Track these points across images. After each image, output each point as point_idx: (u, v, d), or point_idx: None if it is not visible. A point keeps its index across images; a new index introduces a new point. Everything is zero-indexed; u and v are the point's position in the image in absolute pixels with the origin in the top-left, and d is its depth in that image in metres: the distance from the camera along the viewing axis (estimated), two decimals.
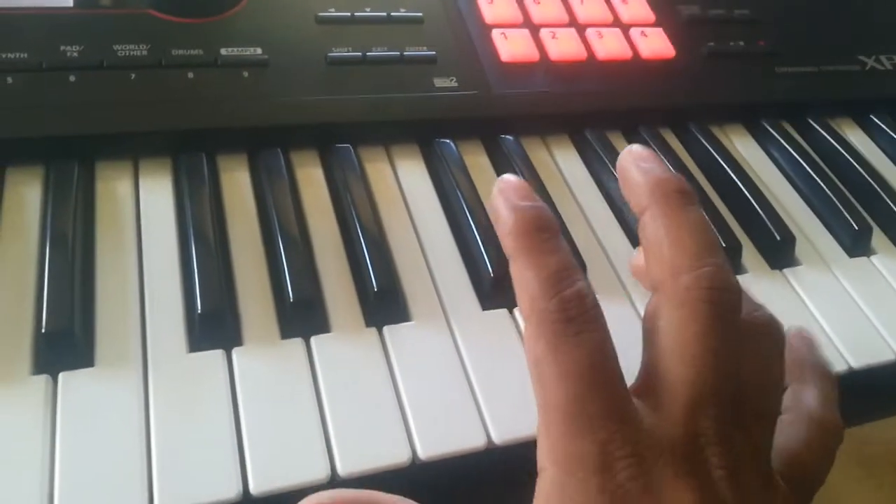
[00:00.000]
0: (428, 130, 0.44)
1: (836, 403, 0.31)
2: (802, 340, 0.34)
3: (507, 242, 0.27)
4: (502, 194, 0.28)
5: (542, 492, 0.24)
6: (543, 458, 0.24)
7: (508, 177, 0.29)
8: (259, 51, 0.43)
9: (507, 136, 0.45)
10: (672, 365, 0.25)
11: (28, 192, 0.37)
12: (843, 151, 0.50)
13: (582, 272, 0.26)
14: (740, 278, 0.40)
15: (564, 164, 0.46)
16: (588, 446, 0.23)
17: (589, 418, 0.23)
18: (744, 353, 0.26)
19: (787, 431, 0.29)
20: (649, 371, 0.25)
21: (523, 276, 0.26)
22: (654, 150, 0.44)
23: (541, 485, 0.24)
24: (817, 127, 0.52)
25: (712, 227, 0.28)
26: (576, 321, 0.24)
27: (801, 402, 0.30)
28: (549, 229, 0.26)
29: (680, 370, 0.24)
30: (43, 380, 0.31)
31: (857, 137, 0.54)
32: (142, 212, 0.38)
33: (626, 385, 0.25)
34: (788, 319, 0.39)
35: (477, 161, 0.45)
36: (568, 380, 0.24)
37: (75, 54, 0.41)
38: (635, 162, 0.29)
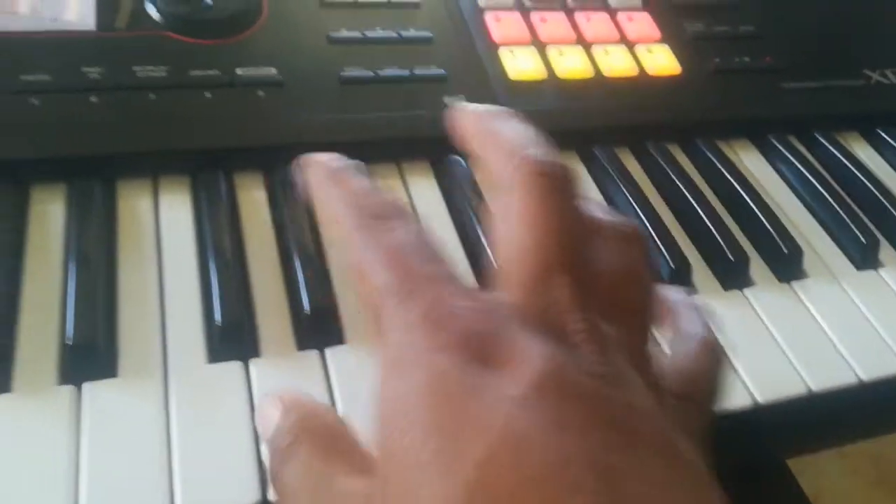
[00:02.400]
0: (439, 148, 0.45)
1: (712, 327, 0.30)
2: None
3: (314, 184, 0.27)
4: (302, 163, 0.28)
5: (381, 372, 0.22)
6: (380, 347, 0.23)
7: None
8: (274, 71, 0.44)
9: None
10: (513, 241, 0.24)
11: (52, 210, 0.39)
12: (850, 165, 0.51)
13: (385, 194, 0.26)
14: (748, 291, 0.41)
15: None
16: (420, 306, 0.22)
17: (418, 283, 0.22)
18: (604, 247, 0.25)
19: (676, 352, 0.28)
20: (495, 261, 0.25)
21: (332, 202, 0.26)
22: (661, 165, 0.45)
23: (379, 369, 0.23)
24: (824, 141, 0.53)
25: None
26: (390, 217, 0.24)
27: (683, 327, 0.30)
28: (347, 167, 0.27)
29: (524, 240, 0.23)
30: (68, 390, 0.31)
31: (864, 151, 0.54)
32: (162, 228, 0.39)
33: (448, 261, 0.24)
34: (797, 331, 0.39)
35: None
36: (388, 257, 0.23)
37: (96, 76, 0.42)
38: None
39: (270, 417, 0.25)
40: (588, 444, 0.19)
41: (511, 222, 0.24)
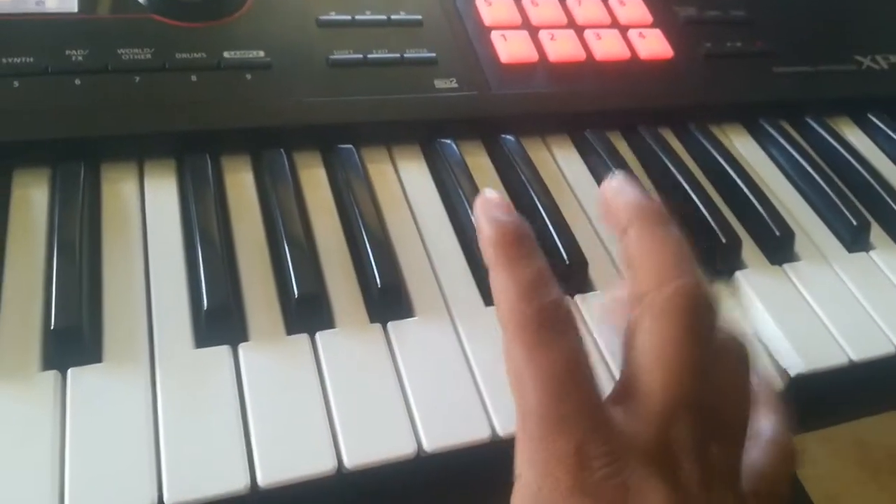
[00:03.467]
0: (429, 131, 0.45)
1: (786, 421, 0.31)
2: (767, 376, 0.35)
3: (488, 253, 0.28)
4: (483, 208, 0.29)
5: (518, 495, 0.25)
6: (520, 464, 0.25)
7: (489, 192, 0.30)
8: (261, 53, 0.44)
9: (508, 136, 0.46)
10: (649, 370, 0.25)
11: (35, 194, 0.38)
12: (840, 149, 0.51)
13: (557, 283, 0.27)
14: (740, 274, 0.41)
15: (565, 164, 0.46)
16: (563, 446, 0.24)
17: (564, 419, 0.24)
18: (719, 365, 0.26)
19: (750, 452, 0.29)
20: (627, 378, 0.26)
21: (503, 285, 0.27)
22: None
23: (517, 488, 0.25)
24: (815, 126, 0.53)
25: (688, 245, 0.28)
26: (552, 327, 0.25)
27: (757, 425, 0.31)
28: (526, 241, 0.27)
29: (656, 375, 0.25)
30: (52, 375, 0.31)
31: (854, 136, 0.54)
32: (147, 212, 0.38)
33: (599, 389, 0.25)
34: (788, 313, 0.39)
35: (478, 160, 0.45)
36: (544, 382, 0.24)
37: (80, 58, 0.41)
38: (618, 188, 0.30)
39: None
40: None
41: (648, 353, 0.25)
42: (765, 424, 0.31)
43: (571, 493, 0.23)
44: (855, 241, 0.45)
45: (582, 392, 0.25)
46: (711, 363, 0.26)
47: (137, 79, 0.41)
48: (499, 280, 0.27)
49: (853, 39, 0.58)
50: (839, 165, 0.50)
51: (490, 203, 0.29)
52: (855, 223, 0.45)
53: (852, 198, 0.47)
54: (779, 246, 0.43)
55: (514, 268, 0.27)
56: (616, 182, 0.30)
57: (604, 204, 0.30)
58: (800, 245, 0.44)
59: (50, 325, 0.32)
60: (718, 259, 0.42)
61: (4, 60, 0.40)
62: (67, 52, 0.41)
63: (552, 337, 0.25)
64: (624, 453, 0.24)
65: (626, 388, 0.26)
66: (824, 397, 0.39)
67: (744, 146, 0.51)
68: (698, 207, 0.43)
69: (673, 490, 0.24)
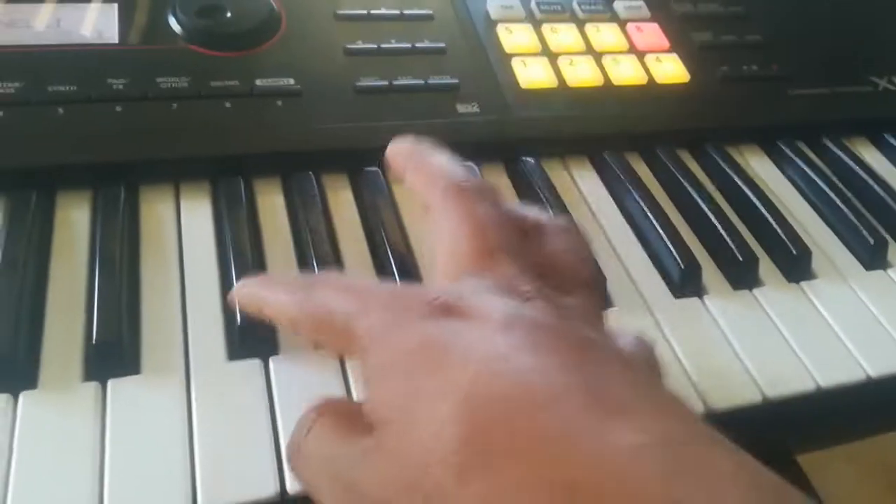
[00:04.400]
0: (454, 154, 0.46)
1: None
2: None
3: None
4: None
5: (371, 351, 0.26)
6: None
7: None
8: (292, 81, 0.46)
9: (528, 159, 0.47)
10: (452, 245, 0.29)
11: (78, 215, 0.40)
12: (857, 169, 0.51)
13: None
14: (757, 291, 0.42)
15: (584, 185, 0.48)
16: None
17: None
18: (548, 238, 0.30)
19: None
20: (441, 263, 0.29)
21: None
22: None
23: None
24: (832, 146, 0.53)
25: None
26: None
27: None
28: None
29: (458, 241, 0.29)
30: (93, 386, 0.32)
31: (871, 156, 0.55)
32: (183, 232, 0.40)
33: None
34: (806, 329, 0.40)
35: (499, 182, 0.47)
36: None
37: (121, 86, 0.43)
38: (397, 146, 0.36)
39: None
40: (557, 354, 0.23)
41: (445, 231, 0.29)
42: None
43: (416, 320, 0.25)
44: (872, 259, 0.45)
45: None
46: (524, 228, 0.30)
47: (174, 106, 0.43)
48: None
49: (869, 61, 0.58)
50: (856, 185, 0.51)
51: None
52: (872, 241, 0.45)
53: (869, 217, 0.47)
54: (796, 264, 0.43)
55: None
56: (395, 144, 0.36)
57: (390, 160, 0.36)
58: (817, 263, 0.44)
59: (91, 339, 0.34)
60: (735, 276, 0.42)
61: (50, 88, 0.42)
62: (109, 81, 0.43)
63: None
64: (459, 287, 0.27)
65: (444, 269, 0.29)
66: (843, 414, 0.39)
67: (761, 167, 0.52)
68: (716, 227, 0.44)
69: (513, 300, 0.25)
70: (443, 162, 0.33)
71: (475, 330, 0.24)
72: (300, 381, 0.34)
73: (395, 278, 0.38)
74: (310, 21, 0.49)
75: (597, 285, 0.31)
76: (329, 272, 0.32)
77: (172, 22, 0.47)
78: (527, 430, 0.21)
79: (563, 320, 0.25)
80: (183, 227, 0.40)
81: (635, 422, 0.21)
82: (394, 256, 0.39)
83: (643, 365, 0.30)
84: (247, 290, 0.32)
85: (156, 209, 0.41)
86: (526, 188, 0.46)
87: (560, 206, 0.44)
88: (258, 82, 0.45)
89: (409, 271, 0.39)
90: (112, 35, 0.46)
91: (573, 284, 0.29)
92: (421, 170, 0.33)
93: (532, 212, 0.32)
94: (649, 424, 0.21)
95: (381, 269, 0.40)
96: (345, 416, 0.26)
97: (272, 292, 0.30)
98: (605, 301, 0.31)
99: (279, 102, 0.45)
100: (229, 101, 0.44)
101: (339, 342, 0.28)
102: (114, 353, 0.33)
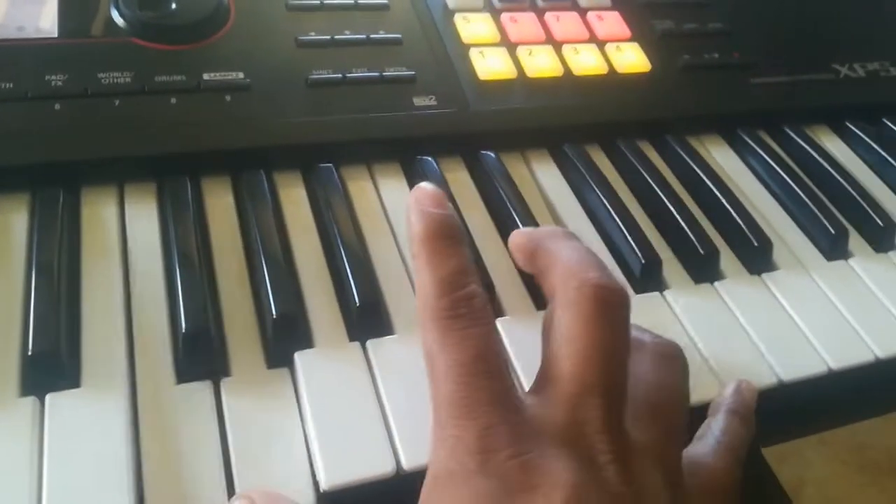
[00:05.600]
0: (409, 148, 0.45)
1: (745, 427, 0.33)
2: (740, 388, 0.35)
3: (413, 246, 0.30)
4: (416, 201, 0.31)
5: (431, 476, 0.26)
6: (432, 451, 0.26)
7: (424, 185, 0.32)
8: (241, 75, 0.44)
9: (487, 152, 0.46)
10: (560, 359, 0.26)
11: (14, 218, 0.38)
12: (818, 158, 0.51)
13: (477, 276, 0.28)
14: (718, 284, 0.41)
15: (544, 178, 0.47)
16: (472, 430, 0.25)
17: (472, 405, 0.25)
18: (645, 361, 0.29)
19: (696, 447, 0.31)
20: (543, 369, 0.27)
21: (422, 277, 0.28)
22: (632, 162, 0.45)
23: (430, 470, 0.26)
24: (793, 135, 0.53)
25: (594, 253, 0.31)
26: (464, 318, 0.27)
27: (713, 425, 0.32)
28: (451, 236, 0.29)
29: (566, 363, 0.26)
30: (30, 402, 0.31)
31: (833, 144, 0.55)
32: (128, 235, 0.38)
33: (510, 378, 0.26)
34: (767, 322, 0.40)
35: (458, 177, 0.46)
36: (454, 370, 0.26)
37: (60, 83, 0.41)
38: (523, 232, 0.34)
39: None
40: None
41: (559, 340, 0.27)
42: (718, 425, 0.32)
43: (477, 473, 0.24)
44: (833, 249, 0.45)
45: (491, 380, 0.26)
46: (624, 346, 0.27)
47: (117, 102, 0.41)
48: (419, 274, 0.29)
49: (830, 48, 0.58)
50: (817, 174, 0.50)
51: (425, 195, 0.31)
52: (833, 231, 0.45)
53: (830, 206, 0.47)
54: (757, 255, 0.43)
55: (434, 261, 0.28)
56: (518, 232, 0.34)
57: (514, 248, 0.33)
58: (778, 254, 0.44)
59: (27, 351, 0.32)
60: (696, 270, 0.42)
61: None
62: (47, 77, 0.41)
63: (463, 326, 0.26)
64: (533, 436, 0.25)
65: (542, 376, 0.27)
66: (806, 405, 0.39)
67: (722, 157, 0.51)
68: (676, 219, 0.44)
69: (581, 466, 0.24)
70: (584, 254, 0.30)
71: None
72: (248, 404, 0.32)
73: (349, 279, 0.37)
74: (260, 12, 0.48)
75: (678, 419, 0.29)
76: (483, 312, 0.28)
77: (115, 14, 0.45)
78: None
79: (627, 491, 0.24)
80: (127, 230, 0.39)
81: None
82: (348, 257, 0.38)
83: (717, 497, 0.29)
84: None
85: (98, 212, 0.39)
86: (486, 182, 0.45)
87: (519, 201, 0.43)
88: (205, 76, 0.43)
89: (363, 273, 0.37)
90: (51, 28, 0.44)
91: (656, 418, 0.27)
92: (556, 257, 0.30)
93: (638, 331, 0.30)
94: None
95: (335, 270, 0.38)
96: None
97: (425, 275, 0.29)
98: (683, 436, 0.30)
99: (228, 97, 0.43)
100: (175, 96, 0.42)
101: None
102: (51, 364, 0.32)
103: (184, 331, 0.33)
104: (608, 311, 0.27)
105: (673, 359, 0.30)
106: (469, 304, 0.27)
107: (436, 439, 0.26)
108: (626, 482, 0.24)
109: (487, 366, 0.26)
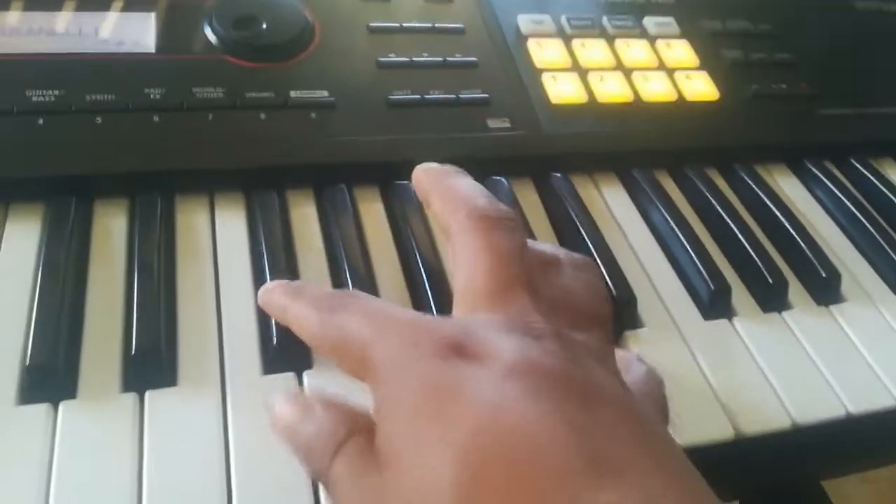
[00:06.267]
0: (482, 168, 0.46)
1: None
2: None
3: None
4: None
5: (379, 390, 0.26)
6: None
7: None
8: (325, 93, 0.46)
9: (557, 174, 0.48)
10: (473, 278, 0.28)
11: (115, 223, 0.40)
12: (885, 191, 0.51)
13: None
14: (786, 314, 0.42)
15: (613, 202, 0.48)
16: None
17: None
18: (563, 273, 0.31)
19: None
20: (458, 297, 0.29)
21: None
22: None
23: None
24: (859, 167, 0.53)
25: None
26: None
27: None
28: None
29: (477, 271, 0.28)
30: (131, 398, 0.33)
31: None
32: (218, 242, 0.40)
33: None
34: (836, 355, 0.40)
35: (528, 197, 0.47)
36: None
37: (158, 96, 0.44)
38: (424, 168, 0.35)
39: (297, 415, 0.28)
40: (561, 406, 0.23)
41: (467, 258, 0.29)
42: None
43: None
44: None
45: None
46: (541, 264, 0.30)
47: (210, 116, 0.44)
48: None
49: None
50: (884, 206, 0.50)
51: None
52: None
53: None
54: (825, 287, 0.44)
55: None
56: (421, 167, 0.35)
57: (415, 182, 0.35)
58: (846, 286, 0.44)
59: (130, 350, 0.34)
60: (764, 299, 0.42)
61: (88, 97, 0.43)
62: (146, 91, 0.44)
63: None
64: (467, 324, 0.27)
65: (460, 302, 0.29)
66: (869, 440, 0.39)
67: (789, 186, 0.52)
68: (745, 247, 0.44)
69: (523, 340, 0.25)
70: (468, 187, 0.32)
71: (481, 374, 0.24)
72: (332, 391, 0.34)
73: (427, 290, 0.39)
74: (343, 33, 0.50)
75: (606, 322, 0.30)
76: (357, 292, 0.31)
77: (209, 32, 0.47)
78: (519, 486, 0.22)
79: (572, 362, 0.25)
80: (218, 237, 0.41)
81: (622, 486, 0.21)
82: (425, 269, 0.40)
83: (649, 406, 0.30)
84: (274, 296, 0.31)
85: (191, 219, 0.41)
86: (555, 204, 0.46)
87: (589, 222, 0.44)
88: (293, 94, 0.45)
89: (440, 285, 0.39)
90: (149, 44, 0.47)
91: (586, 320, 0.29)
92: (445, 194, 0.32)
93: (550, 248, 0.32)
94: (635, 486, 0.21)
95: (412, 281, 0.40)
96: (365, 446, 0.26)
97: (297, 303, 0.30)
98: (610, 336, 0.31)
99: (313, 114, 0.45)
100: (264, 112, 0.44)
101: (352, 367, 0.27)
102: (151, 363, 0.34)
103: (275, 338, 0.35)
104: (499, 225, 0.29)
105: (589, 265, 0.32)
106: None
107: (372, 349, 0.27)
108: (566, 349, 0.25)
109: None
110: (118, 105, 0.43)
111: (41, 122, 0.41)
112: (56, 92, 0.42)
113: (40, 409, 0.32)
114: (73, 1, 0.48)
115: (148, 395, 0.33)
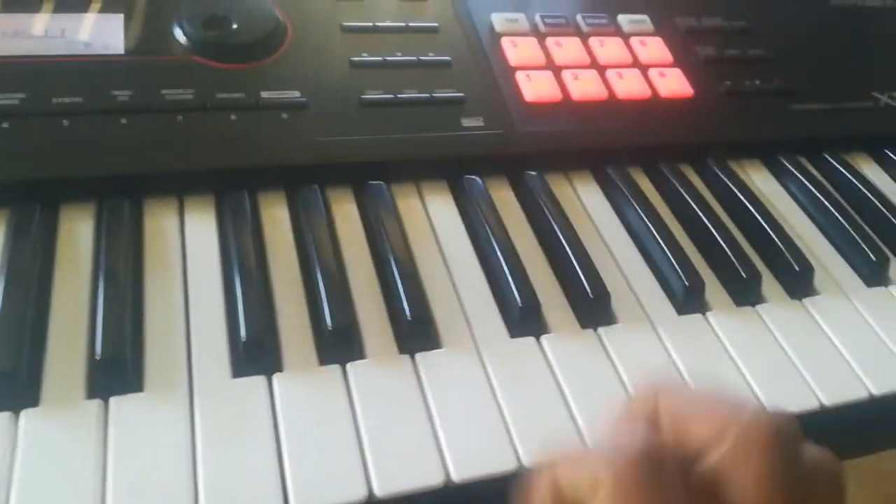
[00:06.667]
0: (456, 167, 0.47)
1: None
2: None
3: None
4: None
5: None
6: None
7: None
8: (297, 94, 0.46)
9: (532, 173, 0.47)
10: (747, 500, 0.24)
11: (81, 227, 0.40)
12: (858, 185, 0.52)
13: None
14: (760, 308, 0.42)
15: (587, 199, 0.48)
16: None
17: None
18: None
19: None
20: None
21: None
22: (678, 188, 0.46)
23: None
24: (833, 162, 0.54)
25: None
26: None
27: None
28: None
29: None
30: (96, 404, 0.32)
31: (872, 172, 0.55)
32: (187, 246, 0.40)
33: None
34: (809, 347, 0.40)
35: (503, 196, 0.47)
36: None
37: (126, 98, 0.43)
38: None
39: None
40: None
41: (746, 482, 0.24)
42: None
43: None
44: (873, 275, 0.45)
45: None
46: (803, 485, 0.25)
47: (180, 118, 0.43)
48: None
49: (870, 77, 0.59)
50: (857, 201, 0.51)
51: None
52: (874, 258, 0.45)
53: (871, 233, 0.48)
54: (798, 280, 0.44)
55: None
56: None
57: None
58: (819, 279, 0.44)
59: (95, 355, 0.33)
60: (738, 293, 0.43)
61: (55, 100, 0.42)
62: (114, 93, 0.43)
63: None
64: None
65: None
66: (845, 431, 0.39)
67: (763, 182, 0.52)
68: (718, 242, 0.44)
69: None
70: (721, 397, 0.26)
71: None
72: (304, 399, 0.34)
73: (400, 292, 0.38)
74: (316, 33, 0.50)
75: None
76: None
77: (178, 33, 0.47)
78: None
79: None
80: (187, 240, 0.40)
81: None
82: (399, 271, 0.39)
83: None
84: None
85: (160, 222, 0.41)
86: (530, 202, 0.46)
87: (564, 220, 0.44)
88: (264, 94, 0.45)
89: (414, 287, 0.39)
90: (117, 46, 0.46)
91: None
92: (696, 406, 0.26)
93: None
94: None
95: (385, 283, 0.40)
96: None
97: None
98: None
99: (284, 115, 0.45)
100: (235, 113, 0.44)
101: None
102: (117, 369, 0.33)
103: (244, 339, 0.34)
104: (786, 444, 0.25)
105: (830, 475, 0.27)
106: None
107: None
108: None
109: None
110: (85, 108, 0.42)
111: (6, 125, 0.41)
112: (20, 95, 0.42)
113: (2, 418, 0.31)
114: (39, 2, 0.47)
115: (112, 401, 0.33)
